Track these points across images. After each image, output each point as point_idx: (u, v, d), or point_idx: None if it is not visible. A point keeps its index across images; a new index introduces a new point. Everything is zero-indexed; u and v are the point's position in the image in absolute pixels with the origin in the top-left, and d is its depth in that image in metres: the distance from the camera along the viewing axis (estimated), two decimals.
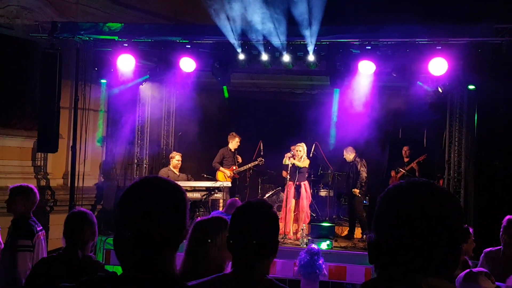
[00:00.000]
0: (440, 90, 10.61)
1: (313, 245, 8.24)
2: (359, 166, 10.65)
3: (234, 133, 11.22)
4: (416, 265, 1.43)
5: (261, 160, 11.17)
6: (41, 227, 5.24)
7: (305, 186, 10.41)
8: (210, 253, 3.11)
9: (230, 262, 2.45)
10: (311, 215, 11.30)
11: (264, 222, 2.38)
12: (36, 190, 5.34)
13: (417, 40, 8.98)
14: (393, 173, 11.48)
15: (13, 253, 4.86)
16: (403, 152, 11.43)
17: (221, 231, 3.22)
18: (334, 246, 9.41)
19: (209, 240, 3.18)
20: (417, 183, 1.53)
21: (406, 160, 11.36)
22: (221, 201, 10.90)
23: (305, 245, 9.24)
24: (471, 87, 9.90)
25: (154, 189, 1.81)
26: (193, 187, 10.11)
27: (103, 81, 10.51)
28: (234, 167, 11.17)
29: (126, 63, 9.79)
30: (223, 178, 10.99)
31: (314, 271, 7.66)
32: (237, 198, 8.81)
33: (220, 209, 10.76)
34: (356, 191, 10.57)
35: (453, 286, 1.46)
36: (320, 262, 7.75)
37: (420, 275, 1.43)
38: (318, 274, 7.71)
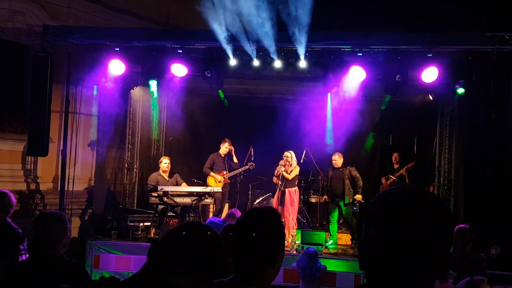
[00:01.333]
0: (430, 97, 10.67)
1: (311, 248, 8.25)
2: (353, 173, 10.65)
3: (226, 139, 11.20)
4: (405, 270, 1.42)
5: (252, 165, 11.17)
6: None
7: (290, 192, 10.38)
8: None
9: None
10: (300, 221, 11.29)
11: (269, 232, 2.28)
12: (10, 194, 5.30)
13: (408, 47, 9.03)
14: (383, 180, 11.52)
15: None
16: (393, 158, 11.48)
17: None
18: (324, 253, 9.41)
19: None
20: (407, 188, 1.52)
21: (396, 166, 11.41)
22: (211, 206, 10.89)
23: (295, 251, 9.25)
24: (461, 90, 9.94)
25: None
26: (184, 192, 10.07)
27: (95, 86, 10.46)
28: (224, 172, 11.16)
29: (117, 67, 9.79)
30: (214, 183, 10.98)
31: (313, 273, 7.72)
32: (236, 209, 8.80)
33: (211, 214, 10.76)
34: (359, 197, 10.57)
35: None
36: (318, 264, 7.81)
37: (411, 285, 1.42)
38: (317, 276, 7.76)
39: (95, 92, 10.95)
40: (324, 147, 11.48)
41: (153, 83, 10.23)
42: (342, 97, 10.53)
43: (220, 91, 10.71)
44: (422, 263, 1.42)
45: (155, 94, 10.66)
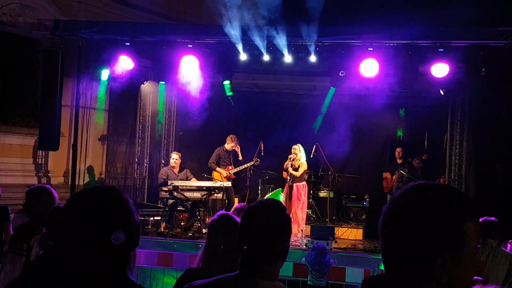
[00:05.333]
0: (441, 92, 10.61)
1: (320, 243, 8.24)
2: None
3: (233, 136, 11.12)
4: (415, 269, 1.42)
5: (257, 161, 11.13)
6: None
7: (297, 187, 10.36)
8: (225, 253, 3.13)
9: None
10: (310, 216, 11.29)
11: (275, 225, 2.25)
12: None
13: (419, 42, 8.97)
14: (387, 175, 11.40)
15: None
16: (396, 153, 11.42)
17: (234, 228, 3.24)
18: (334, 247, 9.39)
19: (222, 246, 3.20)
20: (419, 186, 1.50)
21: (399, 161, 11.33)
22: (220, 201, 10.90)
23: (304, 246, 9.24)
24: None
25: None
26: (193, 186, 10.09)
27: (104, 72, 10.34)
28: (230, 167, 11.13)
29: (127, 62, 9.80)
30: (219, 178, 10.95)
31: (322, 268, 7.72)
32: (245, 204, 8.82)
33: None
34: None
35: None
36: (327, 259, 7.80)
37: (413, 277, 1.42)
38: (326, 271, 7.76)
39: (105, 87, 10.95)
40: (334, 142, 11.41)
41: (162, 78, 10.26)
42: (351, 93, 10.50)
43: (227, 89, 10.66)
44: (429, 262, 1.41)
45: (165, 88, 10.67)
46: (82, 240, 1.78)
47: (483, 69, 8.97)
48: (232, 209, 8.39)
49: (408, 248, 1.41)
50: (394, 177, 11.12)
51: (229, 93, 10.84)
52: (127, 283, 1.84)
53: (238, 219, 3.50)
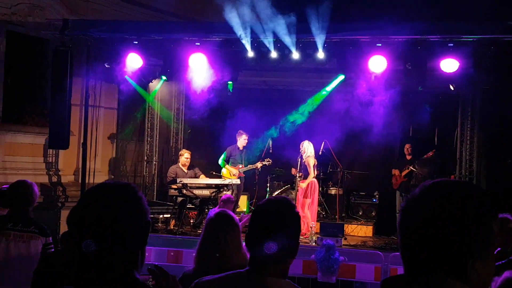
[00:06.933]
0: (451, 87, 10.53)
1: (329, 240, 8.23)
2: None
3: (241, 131, 11.16)
4: (431, 264, 1.41)
5: (269, 161, 11.09)
6: None
7: (308, 184, 10.28)
8: (221, 250, 3.12)
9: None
10: (319, 214, 11.25)
11: (284, 222, 2.25)
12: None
13: (428, 37, 8.91)
14: (396, 172, 11.32)
15: None
16: (405, 149, 11.33)
17: (227, 226, 3.22)
18: (344, 244, 9.37)
19: (216, 237, 3.18)
20: (441, 183, 1.49)
21: (408, 158, 11.25)
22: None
23: (314, 243, 9.23)
24: None
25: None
26: (202, 184, 10.11)
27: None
28: (240, 166, 11.12)
29: (136, 60, 9.83)
30: (229, 176, 10.95)
31: (331, 265, 7.71)
32: (229, 195, 8.83)
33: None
34: None
35: None
36: (336, 256, 7.78)
37: (441, 276, 1.40)
38: (335, 268, 7.75)
39: (115, 85, 10.99)
40: (341, 139, 11.33)
41: (170, 76, 10.28)
42: (361, 89, 10.42)
43: (230, 84, 10.65)
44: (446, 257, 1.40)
45: (173, 86, 10.67)
46: (92, 237, 1.76)
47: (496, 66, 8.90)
48: (218, 204, 8.46)
49: (438, 247, 1.40)
50: (403, 174, 11.05)
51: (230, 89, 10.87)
52: (134, 282, 1.83)
53: (229, 211, 3.49)
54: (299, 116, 11.76)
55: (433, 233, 1.40)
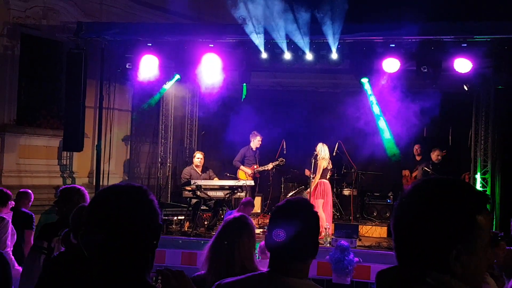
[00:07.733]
0: (465, 87, 10.46)
1: (343, 241, 8.23)
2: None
3: (255, 132, 11.22)
4: (430, 261, 1.44)
5: (282, 161, 11.12)
6: None
7: (318, 185, 10.25)
8: (233, 253, 3.11)
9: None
10: (334, 215, 11.21)
11: (304, 222, 2.26)
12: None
13: (442, 37, 8.86)
14: (406, 172, 11.28)
15: None
16: (414, 150, 11.29)
17: (242, 232, 3.22)
18: (358, 245, 9.34)
19: (226, 242, 3.18)
20: (430, 181, 1.54)
21: (418, 158, 11.20)
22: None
23: (328, 244, 9.21)
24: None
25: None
26: (216, 186, 10.13)
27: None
28: (255, 166, 11.15)
29: (150, 62, 9.85)
30: (244, 177, 10.97)
31: (345, 266, 7.72)
32: (250, 198, 8.86)
33: None
34: None
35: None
36: (350, 257, 7.78)
37: (427, 269, 1.43)
38: (350, 269, 7.75)
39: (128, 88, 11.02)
40: (355, 140, 11.29)
41: (184, 78, 10.30)
42: (374, 91, 10.39)
43: (244, 86, 10.67)
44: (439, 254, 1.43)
45: (187, 88, 10.68)
46: (102, 239, 1.77)
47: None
48: (238, 207, 8.46)
49: (423, 240, 1.44)
50: (413, 174, 11.01)
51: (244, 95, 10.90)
52: (143, 285, 1.83)
53: (247, 215, 3.49)
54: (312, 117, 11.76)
55: (419, 227, 1.44)
